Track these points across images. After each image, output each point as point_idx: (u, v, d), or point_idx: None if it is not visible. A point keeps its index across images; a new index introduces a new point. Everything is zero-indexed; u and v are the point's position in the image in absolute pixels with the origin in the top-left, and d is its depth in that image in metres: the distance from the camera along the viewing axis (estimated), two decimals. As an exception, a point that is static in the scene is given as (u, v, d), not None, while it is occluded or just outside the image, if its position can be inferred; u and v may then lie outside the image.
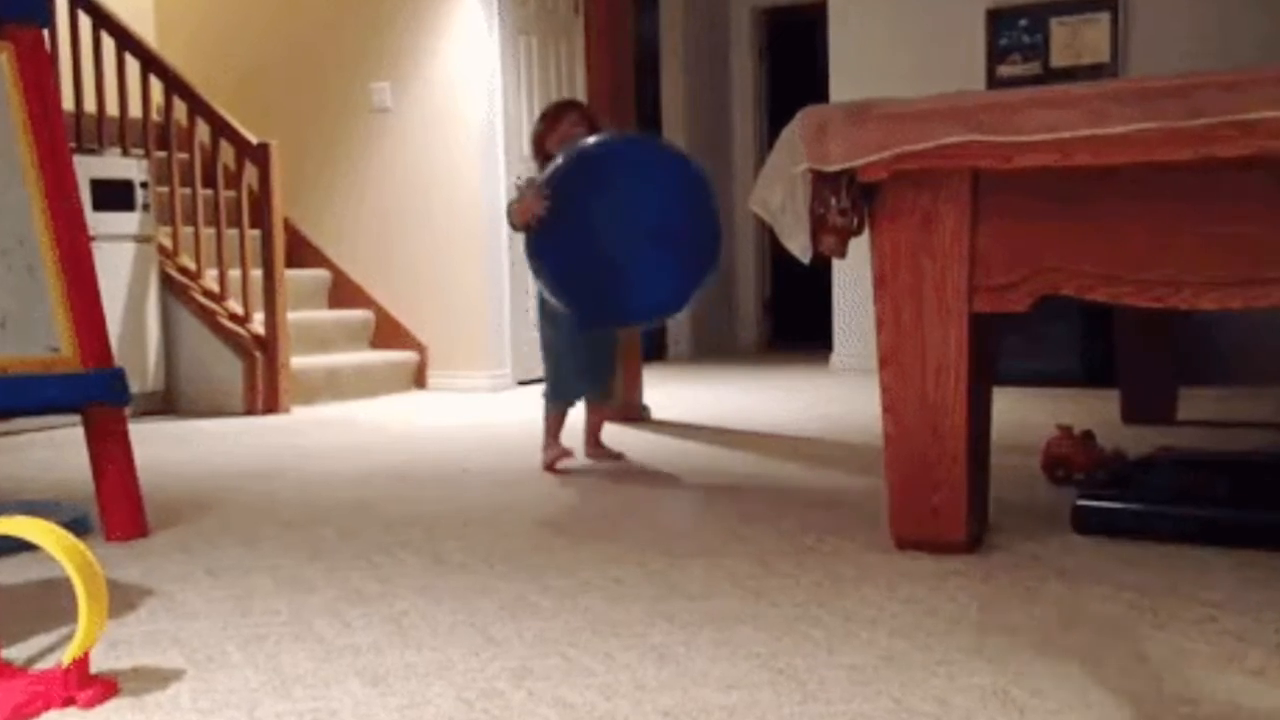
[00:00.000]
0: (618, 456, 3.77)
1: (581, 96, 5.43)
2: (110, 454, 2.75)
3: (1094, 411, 4.39)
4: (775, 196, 2.40)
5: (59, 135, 2.81)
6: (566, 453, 3.63)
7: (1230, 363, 5.31)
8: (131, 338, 5.08)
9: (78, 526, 2.76)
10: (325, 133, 6.22)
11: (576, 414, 3.74)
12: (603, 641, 1.89)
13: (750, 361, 7.34)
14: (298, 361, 5.38)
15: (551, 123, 3.63)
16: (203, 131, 5.42)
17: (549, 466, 3.61)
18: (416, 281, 6.09)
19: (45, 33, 2.90)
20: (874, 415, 2.53)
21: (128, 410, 4.29)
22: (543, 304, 3.59)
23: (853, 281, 6.24)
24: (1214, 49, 5.43)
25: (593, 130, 3.58)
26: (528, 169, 3.75)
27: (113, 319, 4.86)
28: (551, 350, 3.67)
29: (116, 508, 2.74)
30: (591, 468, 3.62)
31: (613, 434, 4.26)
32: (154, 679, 1.77)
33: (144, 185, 5.14)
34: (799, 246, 2.39)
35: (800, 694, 1.64)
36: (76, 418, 2.81)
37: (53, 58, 5.24)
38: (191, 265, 5.38)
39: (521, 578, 2.30)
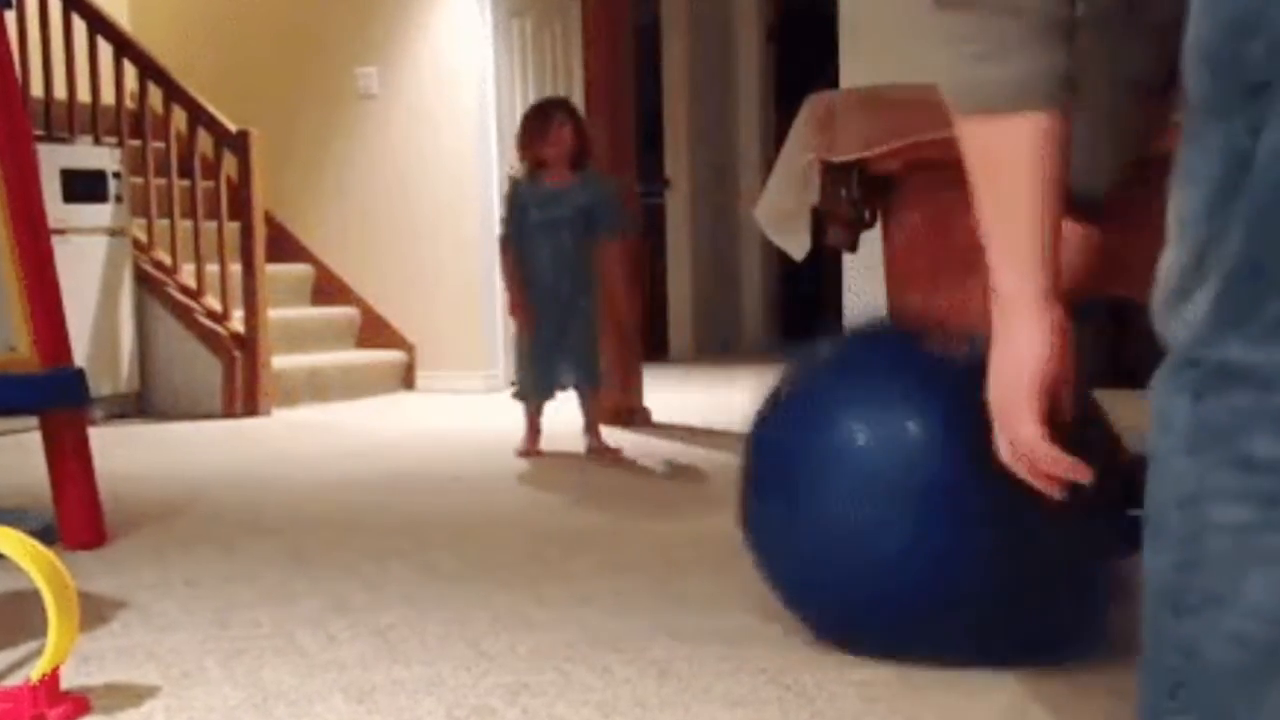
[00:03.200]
0: (611, 451, 3.91)
1: (578, 82, 5.43)
2: (68, 457, 2.75)
3: (1123, 414, 4.38)
4: (788, 199, 2.40)
5: (20, 123, 2.79)
6: (528, 451, 3.89)
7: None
8: (104, 336, 5.08)
9: (46, 535, 2.76)
10: (308, 120, 6.22)
11: (558, 407, 3.91)
12: (601, 656, 1.89)
13: (756, 361, 7.33)
14: (279, 361, 5.38)
15: (541, 125, 3.79)
16: (179, 119, 5.42)
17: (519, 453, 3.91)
18: (404, 277, 6.09)
19: (11, 14, 2.90)
20: (887, 418, 2.52)
21: (97, 414, 4.24)
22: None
23: (864, 277, 6.23)
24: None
25: (578, 128, 3.81)
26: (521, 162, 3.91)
27: (84, 316, 4.85)
28: (518, 347, 3.96)
29: (74, 514, 2.74)
30: (590, 472, 3.62)
31: (611, 436, 4.26)
32: (128, 696, 1.77)
33: (117, 176, 5.13)
34: (794, 242, 2.39)
35: (809, 711, 1.64)
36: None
37: (21, 41, 5.23)
38: (167, 260, 5.38)
39: (516, 589, 2.30)
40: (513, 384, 3.94)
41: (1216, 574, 0.68)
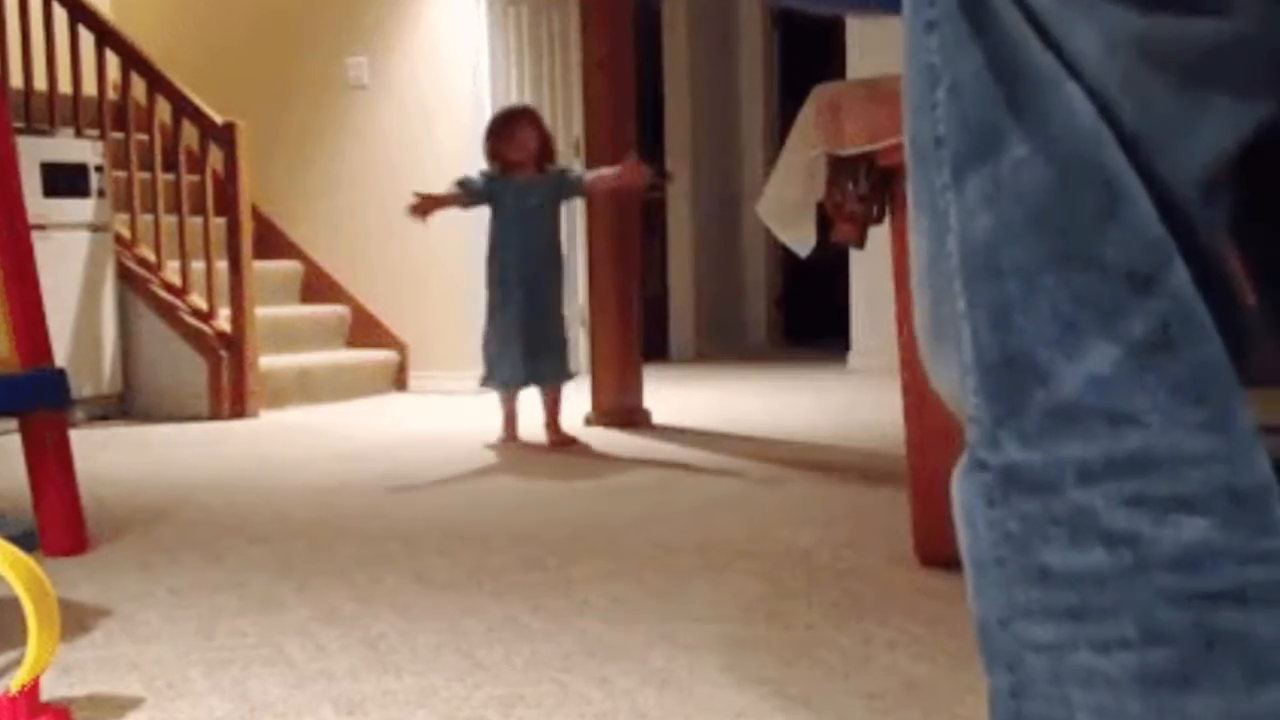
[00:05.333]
0: (570, 441, 4.17)
1: (576, 73, 5.45)
2: (49, 461, 2.74)
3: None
4: (793, 194, 2.40)
5: (-1, 114, 2.80)
6: (507, 439, 4.17)
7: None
8: (86, 335, 5.08)
9: (25, 541, 2.76)
10: (297, 112, 6.22)
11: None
12: (599, 666, 1.89)
13: (760, 361, 7.34)
14: (267, 361, 5.38)
15: (506, 130, 4.23)
16: (163, 111, 5.42)
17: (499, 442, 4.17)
18: (396, 274, 6.09)
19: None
20: (895, 419, 2.54)
21: (79, 416, 4.25)
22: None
23: (872, 274, 6.23)
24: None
25: (543, 136, 4.22)
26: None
27: (66, 315, 4.86)
28: (486, 324, 4.25)
29: (54, 519, 2.74)
30: (587, 475, 3.62)
31: (609, 439, 4.27)
32: (110, 707, 1.77)
33: (99, 169, 5.13)
34: (801, 237, 2.39)
35: (815, 723, 1.64)
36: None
37: None
38: (151, 256, 5.38)
39: (511, 597, 2.30)
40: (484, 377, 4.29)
41: (1046, 700, 0.64)
